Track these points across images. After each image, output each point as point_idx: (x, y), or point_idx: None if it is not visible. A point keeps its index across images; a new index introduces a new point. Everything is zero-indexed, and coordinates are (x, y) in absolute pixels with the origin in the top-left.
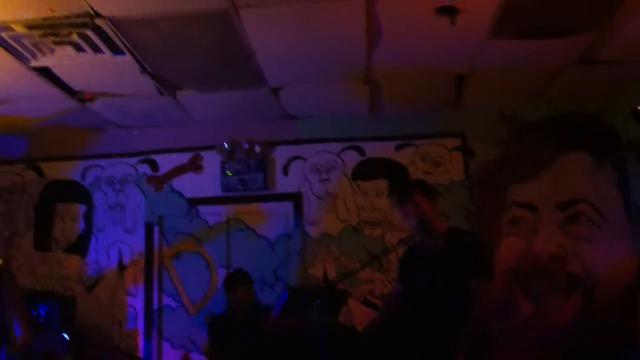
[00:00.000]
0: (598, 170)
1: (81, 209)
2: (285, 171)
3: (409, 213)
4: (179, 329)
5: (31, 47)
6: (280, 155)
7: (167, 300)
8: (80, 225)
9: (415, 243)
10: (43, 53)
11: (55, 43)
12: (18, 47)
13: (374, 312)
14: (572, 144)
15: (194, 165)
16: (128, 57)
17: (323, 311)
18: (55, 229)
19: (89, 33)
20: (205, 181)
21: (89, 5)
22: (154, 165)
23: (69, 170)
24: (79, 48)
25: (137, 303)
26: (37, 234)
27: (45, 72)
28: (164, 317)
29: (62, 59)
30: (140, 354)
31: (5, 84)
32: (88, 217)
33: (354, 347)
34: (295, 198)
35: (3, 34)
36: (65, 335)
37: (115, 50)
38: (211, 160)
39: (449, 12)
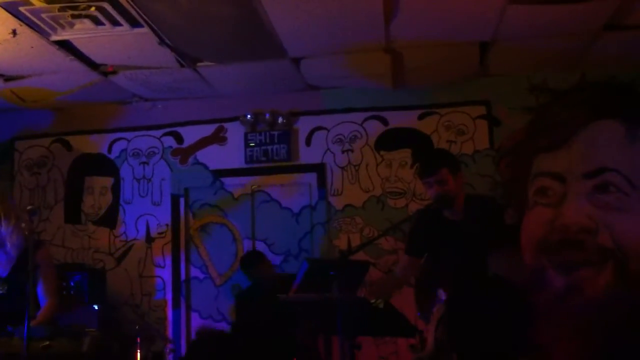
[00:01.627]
0: (630, 139)
1: (109, 182)
2: (308, 142)
3: (432, 188)
4: (206, 300)
5: (50, 22)
6: (303, 126)
7: (194, 272)
8: (109, 198)
9: (424, 212)
10: (62, 27)
11: (73, 17)
12: (38, 22)
13: None
14: (603, 113)
15: (218, 137)
16: (146, 29)
17: (342, 283)
18: (84, 202)
19: (107, 6)
20: (229, 153)
21: None
22: (178, 138)
23: (96, 144)
24: (97, 21)
25: (165, 274)
26: (67, 207)
27: (66, 46)
28: (191, 288)
29: (82, 33)
30: (169, 324)
31: (29, 59)
32: (116, 190)
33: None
34: (319, 169)
35: (22, 9)
36: (95, 307)
37: (133, 22)
38: (235, 132)
39: None
